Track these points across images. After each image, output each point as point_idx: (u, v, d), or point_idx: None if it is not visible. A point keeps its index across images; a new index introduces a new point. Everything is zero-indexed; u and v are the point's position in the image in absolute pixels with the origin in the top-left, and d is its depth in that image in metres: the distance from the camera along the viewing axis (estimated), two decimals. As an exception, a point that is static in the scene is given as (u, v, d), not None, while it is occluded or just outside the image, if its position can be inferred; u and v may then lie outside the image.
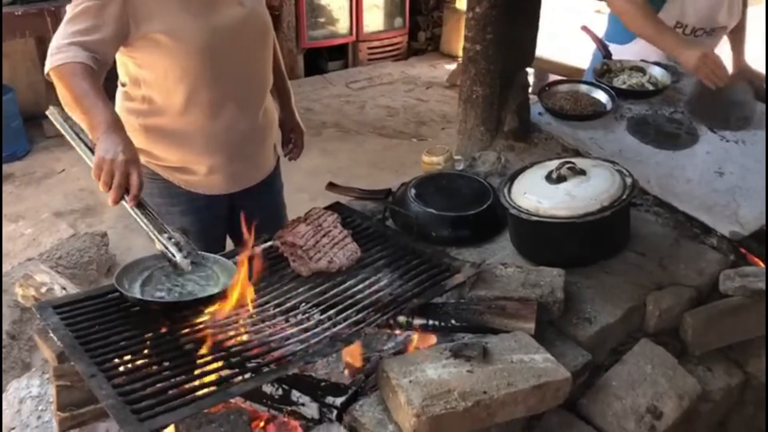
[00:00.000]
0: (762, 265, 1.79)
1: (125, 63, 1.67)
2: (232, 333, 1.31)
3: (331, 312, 1.34)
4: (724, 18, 2.43)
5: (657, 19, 2.21)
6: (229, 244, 1.99)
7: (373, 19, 6.36)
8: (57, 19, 3.99)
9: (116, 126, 1.42)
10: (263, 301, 1.40)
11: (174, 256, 1.37)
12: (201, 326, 1.31)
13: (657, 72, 2.29)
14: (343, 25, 6.23)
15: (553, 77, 5.02)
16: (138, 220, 1.39)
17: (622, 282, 1.52)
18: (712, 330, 1.48)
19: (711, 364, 1.48)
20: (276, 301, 1.39)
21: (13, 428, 1.30)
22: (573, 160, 1.60)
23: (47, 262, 2.84)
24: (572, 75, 4.38)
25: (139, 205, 1.39)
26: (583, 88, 2.20)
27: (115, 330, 1.29)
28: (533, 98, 2.13)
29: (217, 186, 1.81)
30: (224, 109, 1.70)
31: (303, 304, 1.37)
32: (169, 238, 1.38)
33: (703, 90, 2.07)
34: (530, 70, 5.69)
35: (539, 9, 1.90)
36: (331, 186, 1.92)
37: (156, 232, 1.38)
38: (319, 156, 4.34)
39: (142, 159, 1.74)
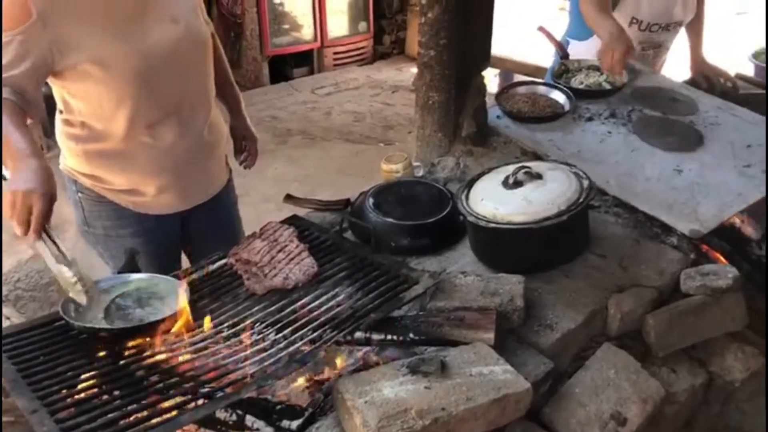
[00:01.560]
0: (723, 261, 1.80)
1: (59, 91, 1.59)
2: (184, 357, 1.26)
3: (287, 331, 1.31)
4: (679, 13, 2.47)
5: (603, 5, 2.30)
6: (185, 262, 1.95)
7: (338, 25, 6.33)
8: None
9: (31, 160, 1.32)
10: (217, 322, 1.36)
11: (72, 289, 1.32)
12: (151, 352, 1.27)
13: (613, 71, 2.29)
14: (307, 31, 6.19)
15: (518, 77, 5.04)
16: (42, 251, 1.32)
17: (583, 286, 1.51)
18: (674, 330, 1.47)
19: (675, 365, 1.47)
20: (230, 322, 1.35)
21: (-42, 467, 1.24)
22: (529, 164, 1.58)
23: (5, 285, 2.76)
24: (537, 74, 4.40)
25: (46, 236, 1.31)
26: (541, 89, 2.19)
27: (62, 360, 1.25)
28: (492, 101, 2.12)
29: (167, 205, 1.75)
30: (166, 128, 1.63)
31: (258, 324, 1.34)
32: (71, 271, 1.33)
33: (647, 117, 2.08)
34: (495, 71, 5.73)
35: (492, 13, 1.89)
36: (289, 198, 1.89)
37: (56, 264, 1.32)
38: (286, 164, 4.30)
39: (87, 183, 1.71)
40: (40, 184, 1.29)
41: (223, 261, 1.57)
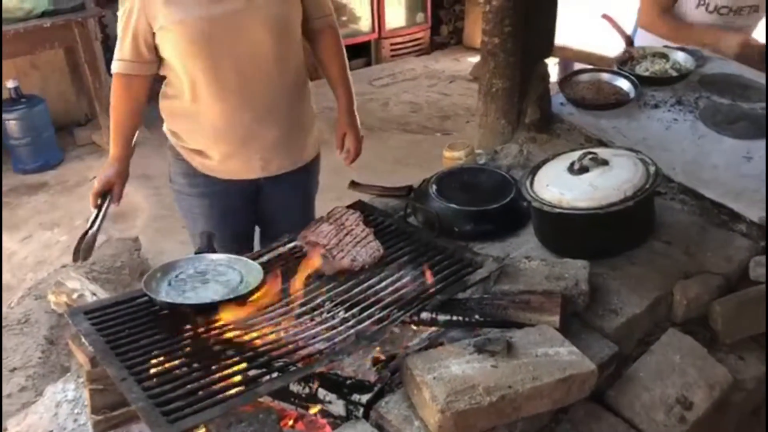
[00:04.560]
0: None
1: (160, 53, 1.77)
2: (258, 333, 1.32)
3: (355, 310, 1.36)
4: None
5: (679, 23, 2.44)
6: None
7: (395, 16, 6.35)
8: (86, 30, 4.07)
9: (116, 162, 1.84)
10: (289, 301, 1.42)
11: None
12: (228, 327, 1.34)
13: (680, 57, 2.26)
14: (365, 23, 6.23)
15: (578, 66, 4.97)
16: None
17: (649, 272, 1.51)
18: (742, 318, 1.45)
19: (742, 353, 1.46)
20: (301, 301, 1.41)
21: (51, 431, 1.33)
22: (595, 150, 1.59)
23: (81, 268, 2.90)
24: (597, 63, 4.33)
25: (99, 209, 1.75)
26: (605, 76, 2.17)
27: (145, 334, 1.32)
28: (555, 89, 2.12)
29: (233, 171, 1.87)
30: (229, 97, 1.75)
31: (327, 303, 1.39)
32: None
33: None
34: (555, 60, 5.66)
35: (555, 1, 1.89)
36: (354, 185, 1.93)
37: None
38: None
39: (172, 139, 1.91)
40: (105, 176, 1.81)
41: (293, 243, 1.63)
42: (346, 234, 1.59)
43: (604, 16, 2.45)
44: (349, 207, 1.73)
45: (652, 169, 1.54)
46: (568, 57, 5.23)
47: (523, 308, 1.33)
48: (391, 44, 6.36)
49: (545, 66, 1.95)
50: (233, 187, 1.90)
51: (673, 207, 1.72)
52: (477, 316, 1.35)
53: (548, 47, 1.95)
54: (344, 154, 2.07)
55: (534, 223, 1.64)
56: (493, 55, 1.89)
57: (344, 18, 6.15)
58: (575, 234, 1.54)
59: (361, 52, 6.30)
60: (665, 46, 2.33)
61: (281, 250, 1.62)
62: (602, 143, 1.92)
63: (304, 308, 1.38)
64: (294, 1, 1.79)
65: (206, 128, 1.81)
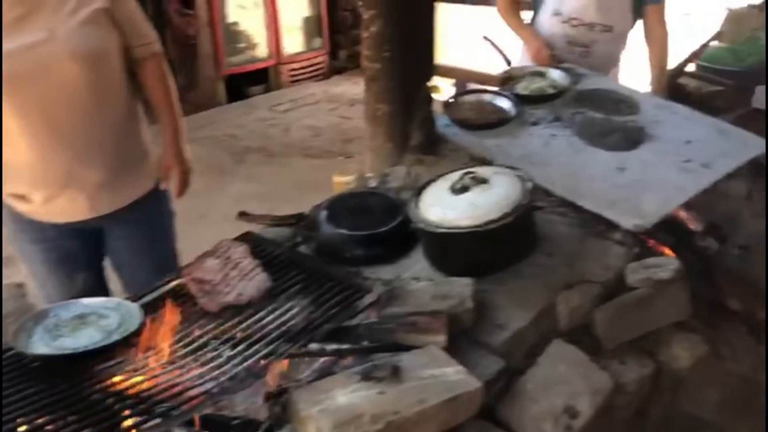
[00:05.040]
0: (669, 253, 1.86)
1: None
2: (140, 378, 1.27)
3: (242, 346, 1.32)
4: (594, 16, 2.64)
5: (518, 18, 2.80)
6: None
7: (293, 41, 6.37)
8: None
9: None
10: (172, 342, 1.36)
11: None
12: (107, 374, 1.27)
13: (557, 75, 2.36)
14: (262, 49, 6.22)
15: (472, 86, 5.12)
16: None
17: (533, 285, 1.55)
18: (621, 323, 1.51)
19: (624, 357, 1.52)
20: (185, 341, 1.36)
21: None
22: (474, 169, 1.62)
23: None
24: (489, 82, 4.48)
25: None
26: (487, 97, 2.25)
27: (16, 389, 1.24)
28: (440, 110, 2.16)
29: (58, 214, 1.77)
30: (38, 141, 1.66)
31: (213, 341, 1.35)
32: None
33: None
34: (451, 80, 5.82)
35: (433, 25, 1.93)
36: (243, 215, 1.90)
37: None
38: (245, 182, 4.30)
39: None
40: None
41: (177, 281, 1.58)
42: (233, 268, 1.56)
43: (485, 39, 2.54)
44: (236, 239, 1.70)
45: (529, 185, 1.59)
46: (461, 77, 5.40)
47: (410, 330, 1.34)
48: (290, 70, 6.37)
49: (428, 89, 1.99)
50: (66, 230, 1.80)
51: (554, 220, 1.77)
52: (366, 342, 1.34)
53: (429, 71, 1.99)
54: (171, 186, 1.99)
55: (422, 243, 1.65)
56: (375, 80, 1.91)
57: (241, 45, 6.12)
58: (460, 252, 1.57)
59: (260, 79, 6.27)
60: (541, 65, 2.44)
61: (164, 289, 1.56)
62: (486, 162, 1.96)
63: (188, 349, 1.34)
64: (108, 30, 1.72)
65: (23, 171, 1.71)
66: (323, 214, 1.74)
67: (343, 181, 1.94)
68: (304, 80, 6.37)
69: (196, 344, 1.35)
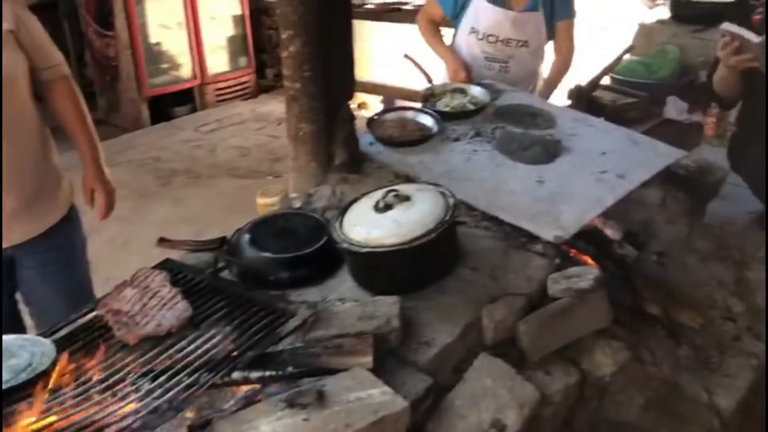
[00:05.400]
0: (590, 262, 1.91)
1: None
2: (53, 419, 1.20)
3: (162, 378, 1.27)
4: (509, 32, 2.75)
5: (437, 38, 2.93)
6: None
7: (218, 61, 6.29)
8: None
9: None
10: (88, 378, 1.30)
11: None
12: (15, 418, 1.20)
13: (477, 92, 2.41)
14: (186, 70, 6.11)
15: (400, 102, 5.18)
16: None
17: (458, 300, 1.56)
18: (545, 334, 1.54)
19: (549, 368, 1.54)
20: (102, 376, 1.30)
21: None
22: (397, 187, 1.63)
23: None
24: (415, 98, 4.53)
25: None
26: (410, 114, 2.26)
27: None
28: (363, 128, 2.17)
29: None
30: None
31: (131, 375, 1.29)
32: None
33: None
34: (380, 97, 5.86)
35: (352, 44, 1.94)
36: (163, 241, 1.84)
37: None
38: (170, 206, 4.19)
39: None
40: None
41: (93, 313, 1.51)
42: (151, 297, 1.50)
43: (406, 57, 2.57)
44: (155, 267, 1.64)
45: (451, 200, 1.60)
46: (388, 94, 5.45)
47: (336, 353, 1.32)
48: (216, 89, 6.28)
49: (349, 108, 1.99)
50: None
51: (477, 234, 1.80)
52: (291, 368, 1.31)
53: (350, 89, 1.99)
54: (96, 209, 1.97)
55: (347, 263, 1.64)
56: (296, 100, 1.89)
57: (164, 65, 5.99)
58: (385, 271, 1.56)
59: (185, 99, 6.15)
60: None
61: (80, 322, 1.50)
62: (410, 179, 1.98)
63: (105, 384, 1.28)
64: (14, 53, 1.67)
65: None
66: (246, 237, 1.71)
67: (266, 203, 1.91)
68: (230, 100, 6.29)
69: (113, 378, 1.29)
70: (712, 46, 2.17)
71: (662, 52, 3.42)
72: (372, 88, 5.69)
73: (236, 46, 6.38)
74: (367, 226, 1.56)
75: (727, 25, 2.08)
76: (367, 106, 6.03)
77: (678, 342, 1.80)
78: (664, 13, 4.04)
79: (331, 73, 1.89)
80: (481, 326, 1.52)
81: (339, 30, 1.89)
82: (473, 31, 2.80)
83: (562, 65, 2.91)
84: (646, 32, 3.73)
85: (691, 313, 1.83)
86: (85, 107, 1.90)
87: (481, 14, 2.76)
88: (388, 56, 5.56)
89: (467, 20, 2.80)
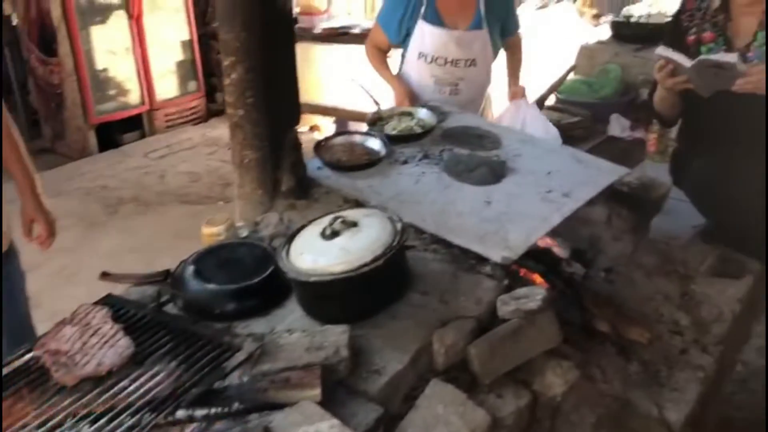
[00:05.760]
0: (540, 281, 1.93)
1: None
2: (-16, 471, 1.15)
3: (103, 421, 1.22)
4: (456, 52, 2.79)
5: (384, 66, 2.96)
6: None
7: (166, 86, 6.22)
8: None
9: None
10: (23, 424, 1.24)
11: None
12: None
13: (423, 114, 2.42)
14: (134, 95, 6.02)
15: (353, 125, 5.19)
16: None
17: (409, 325, 1.54)
18: (496, 357, 1.53)
19: (500, 390, 1.53)
20: (37, 422, 1.24)
21: None
22: (344, 213, 1.62)
23: None
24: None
25: None
26: (357, 138, 2.26)
27: None
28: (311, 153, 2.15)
29: None
30: None
31: (69, 419, 1.24)
32: None
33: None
34: (330, 119, 5.86)
35: (295, 69, 1.93)
36: (105, 276, 1.78)
37: None
38: (118, 235, 4.09)
39: None
40: None
41: (30, 354, 1.45)
42: (92, 335, 1.45)
43: (353, 80, 2.57)
44: (96, 303, 1.59)
45: (399, 225, 1.60)
46: (340, 116, 5.45)
47: (283, 387, 1.29)
48: (165, 114, 6.20)
49: (295, 133, 1.97)
50: None
51: (427, 257, 1.79)
52: (237, 404, 1.28)
53: (295, 114, 1.97)
54: (36, 240, 1.95)
55: (295, 293, 1.61)
56: (240, 127, 1.87)
57: (112, 92, 5.89)
58: (334, 299, 1.54)
59: (134, 125, 6.05)
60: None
61: (16, 364, 1.43)
62: (359, 203, 1.97)
63: (42, 429, 1.22)
64: None
65: None
66: (190, 269, 1.67)
67: (212, 233, 1.87)
68: (180, 125, 6.21)
69: (50, 423, 1.23)
70: (651, 65, 2.22)
71: (604, 71, 3.51)
72: (324, 111, 5.69)
73: (185, 71, 6.31)
74: (314, 253, 1.54)
75: (661, 50, 2.14)
76: (319, 128, 6.03)
77: (628, 358, 1.82)
78: (606, 32, 4.16)
79: (276, 99, 1.87)
80: (431, 351, 1.51)
81: (283, 56, 1.88)
82: (421, 55, 2.82)
83: (518, 62, 3.01)
84: (588, 52, 3.83)
85: (640, 329, 1.85)
86: (19, 137, 1.85)
87: (426, 38, 2.79)
88: (339, 79, 5.58)
89: (414, 45, 2.83)
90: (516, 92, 2.94)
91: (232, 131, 1.91)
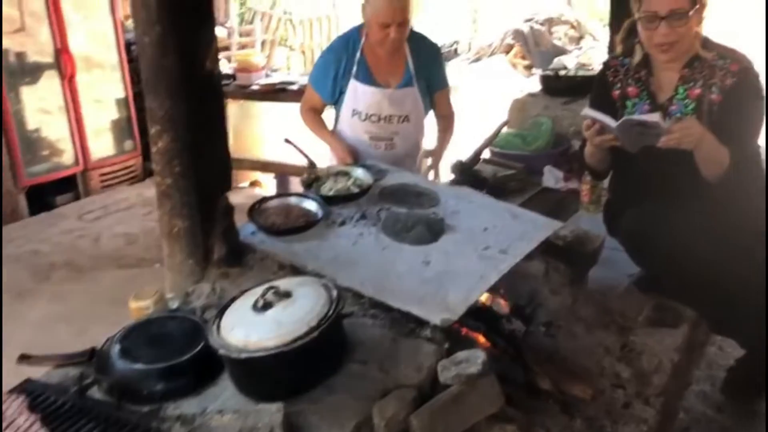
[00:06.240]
0: (482, 340, 1.91)
1: None
2: None
3: None
4: (389, 109, 2.84)
5: (320, 126, 3.00)
6: None
7: (101, 145, 6.06)
8: None
9: None
10: None
11: None
12: None
13: (360, 173, 2.41)
14: (68, 156, 5.84)
15: (293, 179, 5.16)
16: None
17: (347, 398, 1.49)
18: (438, 426, 1.49)
19: (445, 461, 1.49)
20: None
21: None
22: (277, 283, 1.57)
23: None
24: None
25: None
26: (293, 200, 2.23)
27: None
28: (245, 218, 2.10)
29: None
30: None
31: None
32: None
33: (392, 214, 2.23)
34: (270, 176, 5.82)
35: (226, 136, 1.89)
36: (23, 358, 1.68)
37: None
38: (50, 303, 3.90)
39: None
40: None
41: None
42: (6, 428, 1.35)
43: (287, 141, 2.55)
44: (12, 390, 1.48)
45: (334, 293, 1.56)
46: (281, 171, 5.42)
47: (214, 476, 1.22)
48: (101, 175, 6.03)
49: (227, 200, 1.92)
50: None
51: (366, 323, 1.75)
52: (164, 498, 1.20)
53: (227, 180, 1.93)
54: None
55: (227, 369, 1.54)
56: (168, 196, 1.82)
57: (44, 152, 5.71)
58: (268, 375, 1.48)
59: (68, 187, 5.86)
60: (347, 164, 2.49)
61: None
62: (295, 269, 1.92)
63: None
64: None
65: None
66: (116, 347, 1.58)
67: (140, 307, 1.79)
68: (116, 185, 6.05)
69: None
70: (581, 117, 2.27)
71: (536, 123, 3.59)
72: (264, 166, 5.64)
73: (121, 129, 6.19)
74: (246, 327, 1.49)
75: (587, 111, 2.22)
76: (260, 184, 5.97)
77: (572, 415, 1.80)
78: (536, 86, 4.28)
79: (205, 166, 1.83)
80: (372, 425, 1.46)
81: (211, 121, 1.84)
82: (355, 113, 2.86)
83: (447, 127, 3.03)
84: (519, 105, 3.92)
85: (582, 385, 1.84)
86: None
87: (359, 96, 2.83)
88: (278, 135, 5.57)
89: (348, 103, 2.86)
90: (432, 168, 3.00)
91: (159, 200, 1.85)
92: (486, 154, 3.31)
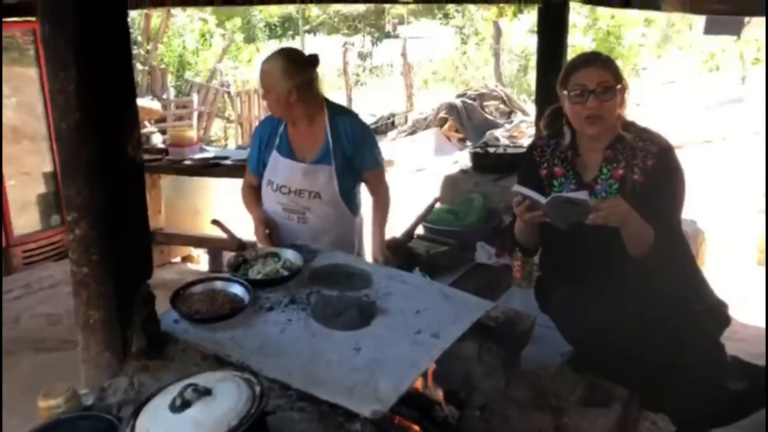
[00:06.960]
0: (414, 428, 1.85)
1: None
2: None
3: None
4: (300, 183, 2.86)
5: (251, 201, 3.03)
6: None
7: (26, 220, 5.84)
8: None
9: None
10: None
11: None
12: None
13: (290, 255, 2.37)
14: (-12, 232, 5.59)
15: (227, 254, 5.05)
16: None
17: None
18: None
19: None
20: None
21: None
22: (196, 379, 1.49)
23: None
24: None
25: None
26: (219, 285, 2.16)
27: None
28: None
29: None
30: None
31: None
32: None
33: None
34: (202, 251, 5.70)
35: (146, 221, 1.83)
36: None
37: None
38: (-41, 394, 3.63)
39: None
40: None
41: None
42: None
43: (214, 222, 2.50)
44: None
45: (258, 389, 1.49)
46: (215, 246, 5.32)
47: None
48: (24, 251, 5.79)
49: (147, 288, 1.84)
50: None
51: (293, 418, 1.67)
52: None
53: (147, 268, 1.85)
54: None
55: (141, 477, 1.44)
56: (85, 286, 1.73)
57: (-38, 229, 5.45)
58: (185, 482, 1.39)
59: (-12, 265, 5.59)
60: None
61: None
62: (219, 359, 1.84)
63: None
64: None
65: None
66: (19, 456, 1.46)
67: (49, 406, 1.67)
68: (41, 261, 5.80)
69: None
70: (511, 193, 2.31)
71: (468, 199, 3.65)
72: (196, 241, 5.53)
73: (47, 204, 5.99)
74: (163, 429, 1.40)
75: (517, 187, 2.26)
76: (192, 258, 5.84)
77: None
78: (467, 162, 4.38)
79: (125, 254, 1.76)
80: None
81: (131, 208, 1.78)
82: (269, 183, 2.91)
83: (379, 207, 2.99)
84: (451, 182, 3.99)
85: (517, 474, 1.80)
86: None
87: (277, 167, 2.88)
88: (212, 210, 5.51)
89: (266, 174, 2.92)
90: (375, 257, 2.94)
91: (75, 290, 1.76)
92: (420, 230, 3.33)
